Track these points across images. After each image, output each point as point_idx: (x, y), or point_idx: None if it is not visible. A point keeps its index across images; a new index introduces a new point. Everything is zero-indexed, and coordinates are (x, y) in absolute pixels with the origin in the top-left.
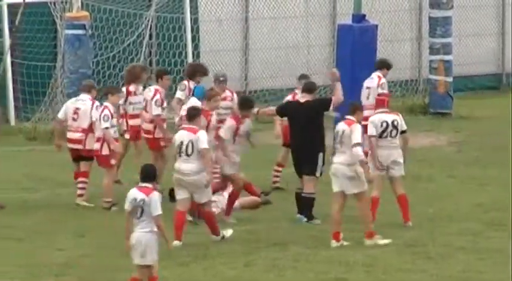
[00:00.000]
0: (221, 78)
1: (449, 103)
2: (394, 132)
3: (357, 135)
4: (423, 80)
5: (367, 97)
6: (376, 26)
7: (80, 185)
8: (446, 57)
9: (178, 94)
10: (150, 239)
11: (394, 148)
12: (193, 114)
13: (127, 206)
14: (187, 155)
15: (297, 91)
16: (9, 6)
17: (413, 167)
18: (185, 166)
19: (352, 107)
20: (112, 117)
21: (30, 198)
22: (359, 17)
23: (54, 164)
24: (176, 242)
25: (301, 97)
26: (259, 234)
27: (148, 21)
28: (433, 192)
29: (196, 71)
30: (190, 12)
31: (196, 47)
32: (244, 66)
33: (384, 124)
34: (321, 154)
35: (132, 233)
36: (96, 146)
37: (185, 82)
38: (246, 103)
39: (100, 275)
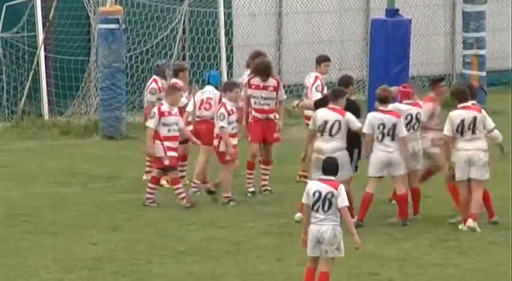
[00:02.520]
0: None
1: (482, 98)
2: (417, 125)
3: (490, 121)
4: (457, 74)
5: None
6: (410, 20)
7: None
8: (480, 52)
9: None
10: (341, 231)
11: (415, 140)
12: (337, 95)
13: (307, 199)
14: (331, 135)
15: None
16: (43, 0)
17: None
18: (326, 145)
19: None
20: (230, 114)
21: (63, 192)
22: (392, 12)
23: (88, 159)
24: None
25: None
26: (292, 228)
27: (181, 15)
28: None
29: None
30: (224, 7)
31: (229, 41)
32: (278, 60)
33: (409, 117)
34: (356, 150)
35: (318, 227)
36: (215, 142)
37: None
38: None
39: (133, 269)
